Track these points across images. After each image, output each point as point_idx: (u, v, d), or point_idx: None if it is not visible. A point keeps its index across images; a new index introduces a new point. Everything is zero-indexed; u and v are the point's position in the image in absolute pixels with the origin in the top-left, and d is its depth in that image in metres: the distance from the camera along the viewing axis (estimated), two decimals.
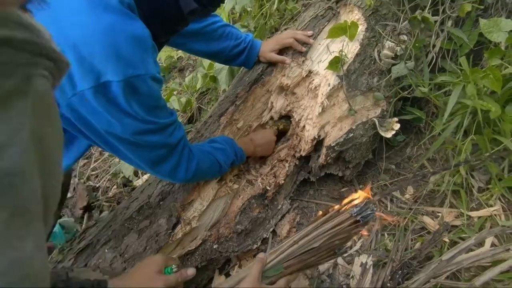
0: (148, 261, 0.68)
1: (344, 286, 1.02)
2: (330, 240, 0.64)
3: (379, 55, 1.06)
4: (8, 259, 0.26)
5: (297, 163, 1.15)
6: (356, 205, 0.64)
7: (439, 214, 1.08)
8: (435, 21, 1.06)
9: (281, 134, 1.18)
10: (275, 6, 1.42)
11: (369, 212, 0.63)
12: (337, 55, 0.98)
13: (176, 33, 0.76)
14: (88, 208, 1.47)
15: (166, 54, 2.07)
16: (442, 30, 1.10)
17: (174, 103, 1.67)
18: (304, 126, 1.09)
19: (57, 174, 0.33)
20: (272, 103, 1.12)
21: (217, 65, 1.41)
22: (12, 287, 0.25)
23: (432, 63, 1.12)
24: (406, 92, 1.09)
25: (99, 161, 1.71)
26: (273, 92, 1.12)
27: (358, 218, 0.63)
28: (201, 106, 1.76)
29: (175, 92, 1.83)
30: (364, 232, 0.71)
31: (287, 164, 1.13)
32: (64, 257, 0.96)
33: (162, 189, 0.98)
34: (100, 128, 0.67)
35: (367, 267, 0.97)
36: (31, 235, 0.28)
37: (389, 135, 1.07)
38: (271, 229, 1.12)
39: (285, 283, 0.65)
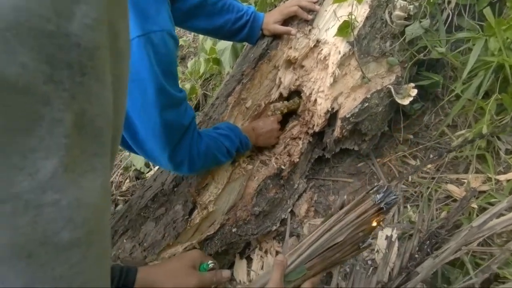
0: (184, 254, 0.64)
1: (369, 262, 1.00)
2: (354, 232, 0.60)
3: (390, 17, 0.99)
4: (71, 197, 0.17)
5: (310, 140, 1.10)
6: (378, 192, 0.60)
7: (464, 181, 1.03)
8: None
9: (289, 115, 1.13)
10: None
11: (392, 197, 0.60)
12: (346, 19, 0.92)
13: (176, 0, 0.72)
14: None
15: None
16: None
17: None
18: (315, 100, 1.04)
19: (124, 101, 0.23)
20: (280, 79, 1.07)
21: (220, 46, 1.36)
22: (73, 236, 0.18)
23: (448, 22, 1.05)
24: (421, 55, 1.02)
25: None
26: (281, 67, 1.07)
27: (382, 205, 0.59)
28: (206, 92, 1.72)
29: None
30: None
31: (300, 142, 1.09)
32: None
33: (175, 175, 0.96)
34: None
35: (393, 240, 0.94)
36: (99, 170, 0.19)
37: (406, 102, 1.01)
38: (289, 209, 1.09)
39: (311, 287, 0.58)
